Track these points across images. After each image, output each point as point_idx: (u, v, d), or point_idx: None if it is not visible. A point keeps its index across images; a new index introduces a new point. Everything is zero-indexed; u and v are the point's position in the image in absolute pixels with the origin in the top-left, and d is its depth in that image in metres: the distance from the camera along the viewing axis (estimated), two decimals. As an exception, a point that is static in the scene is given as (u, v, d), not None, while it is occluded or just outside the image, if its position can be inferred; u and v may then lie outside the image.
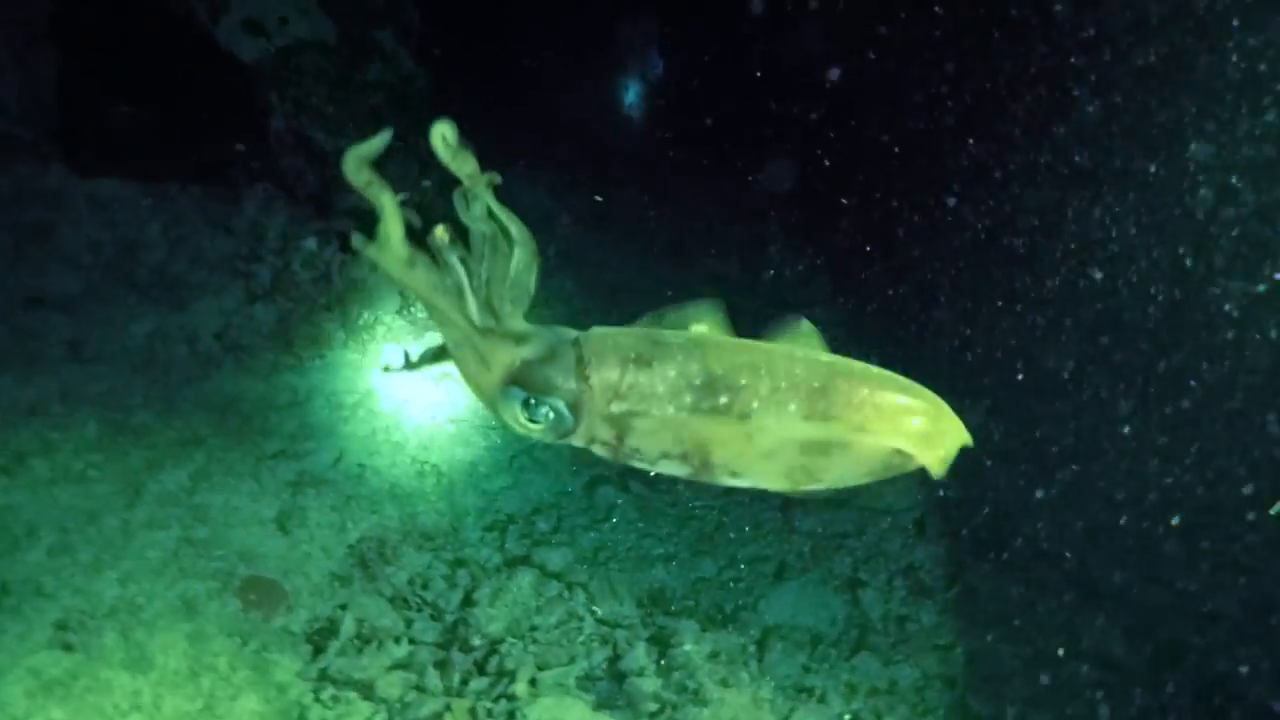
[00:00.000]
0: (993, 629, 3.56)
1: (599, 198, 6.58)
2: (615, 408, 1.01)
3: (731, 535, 4.19)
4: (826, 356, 1.06)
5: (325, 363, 4.40)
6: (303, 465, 3.85)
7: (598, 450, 1.08)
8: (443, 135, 1.00)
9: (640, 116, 8.21)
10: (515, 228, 1.04)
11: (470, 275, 1.03)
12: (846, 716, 3.11)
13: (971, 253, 5.42)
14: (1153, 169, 4.41)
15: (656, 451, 1.04)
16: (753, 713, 2.98)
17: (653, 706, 2.95)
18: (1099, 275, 4.65)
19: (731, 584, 3.85)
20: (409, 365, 4.51)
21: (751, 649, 3.42)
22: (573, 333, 1.06)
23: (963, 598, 3.78)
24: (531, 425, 1.04)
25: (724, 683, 3.07)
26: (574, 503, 4.29)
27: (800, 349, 1.05)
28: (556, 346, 1.02)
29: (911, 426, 1.04)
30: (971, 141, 5.44)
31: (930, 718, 3.20)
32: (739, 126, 7.26)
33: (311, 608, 3.25)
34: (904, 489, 4.44)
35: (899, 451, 1.06)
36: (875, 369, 1.06)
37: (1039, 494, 4.20)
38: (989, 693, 3.29)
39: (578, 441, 1.07)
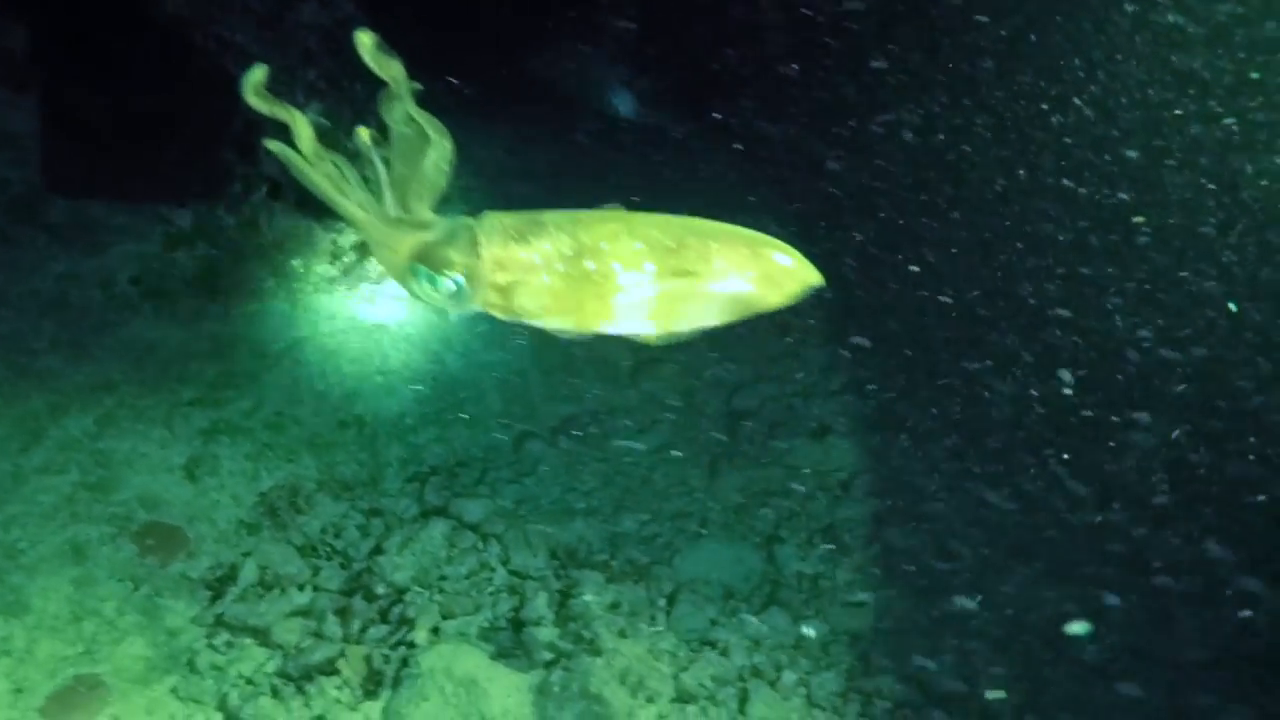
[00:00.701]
0: (903, 585, 3.58)
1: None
2: (501, 278, 1.19)
3: (656, 491, 4.18)
4: (683, 219, 1.24)
5: (252, 311, 4.33)
6: (220, 413, 3.80)
7: (495, 313, 1.25)
8: (364, 41, 1.14)
9: (606, 73, 8.03)
10: (432, 130, 1.18)
11: (389, 171, 1.18)
12: (746, 668, 3.12)
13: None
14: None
15: (539, 309, 1.22)
16: (649, 663, 2.98)
17: (548, 656, 2.95)
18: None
19: (650, 539, 3.84)
20: None
21: (661, 602, 3.43)
22: (469, 219, 1.22)
23: (880, 556, 3.79)
24: (435, 295, 1.20)
25: (622, 633, 3.08)
26: (500, 456, 4.26)
27: (662, 215, 1.23)
28: (455, 229, 1.19)
29: (757, 272, 1.23)
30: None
31: (832, 671, 3.21)
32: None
33: (215, 555, 3.23)
34: (832, 449, 4.44)
35: (751, 294, 1.24)
36: (726, 225, 1.23)
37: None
38: (891, 646, 3.31)
39: (476, 306, 1.24)
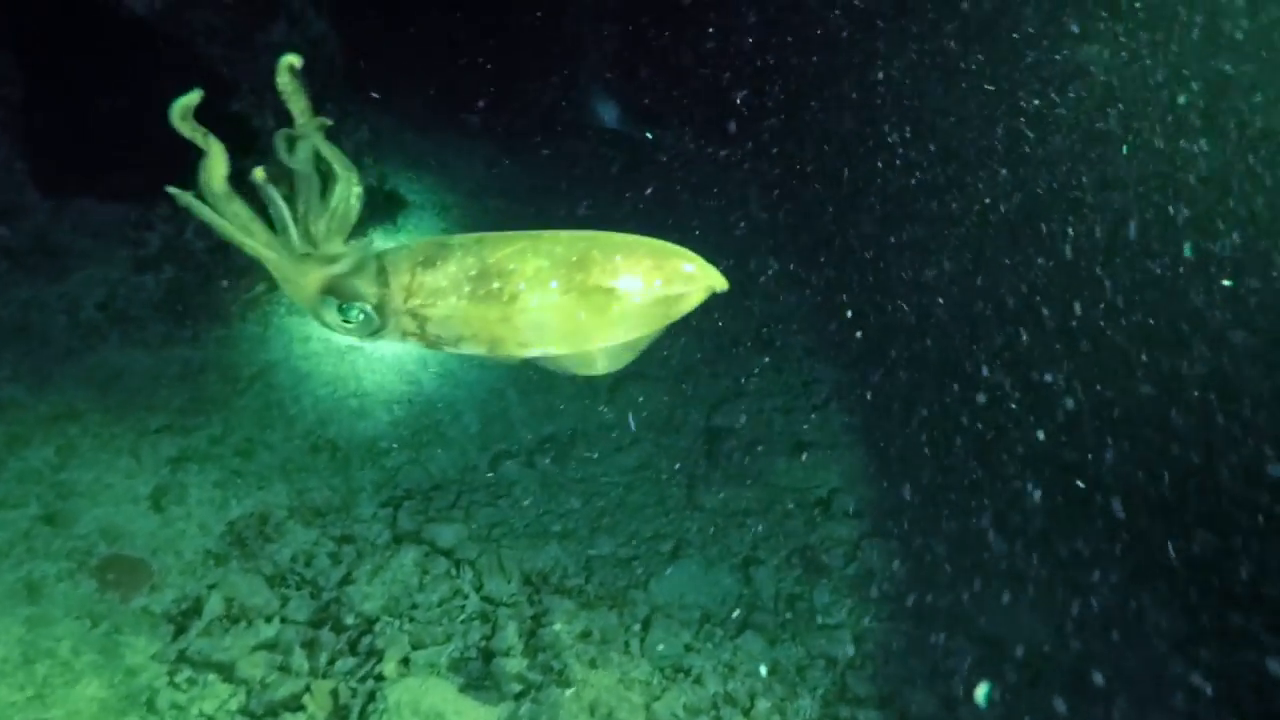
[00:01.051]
0: (882, 609, 3.54)
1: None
2: (410, 304, 1.18)
3: (633, 512, 4.14)
4: (588, 233, 1.21)
5: (221, 335, 4.28)
6: (188, 441, 3.74)
7: (411, 341, 1.25)
8: (290, 66, 1.14)
9: (588, 88, 7.99)
10: (339, 165, 1.18)
11: (292, 209, 1.17)
12: (720, 696, 3.07)
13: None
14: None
15: (453, 336, 1.21)
16: (620, 693, 2.93)
17: (517, 688, 2.90)
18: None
19: (626, 562, 3.80)
20: None
21: (635, 628, 3.38)
22: (376, 247, 1.23)
23: (858, 578, 3.75)
24: (346, 325, 1.20)
25: (592, 663, 3.03)
26: (476, 478, 4.21)
27: (568, 232, 1.21)
28: (363, 260, 1.19)
29: (663, 280, 1.21)
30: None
31: (808, 698, 3.17)
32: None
33: (180, 587, 3.16)
34: (812, 467, 4.41)
35: (658, 303, 1.22)
36: (631, 237, 1.21)
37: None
38: (869, 672, 3.27)
39: (391, 336, 1.23)
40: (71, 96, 3.99)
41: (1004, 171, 5.11)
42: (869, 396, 4.80)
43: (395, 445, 4.15)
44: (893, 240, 5.59)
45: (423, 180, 6.16)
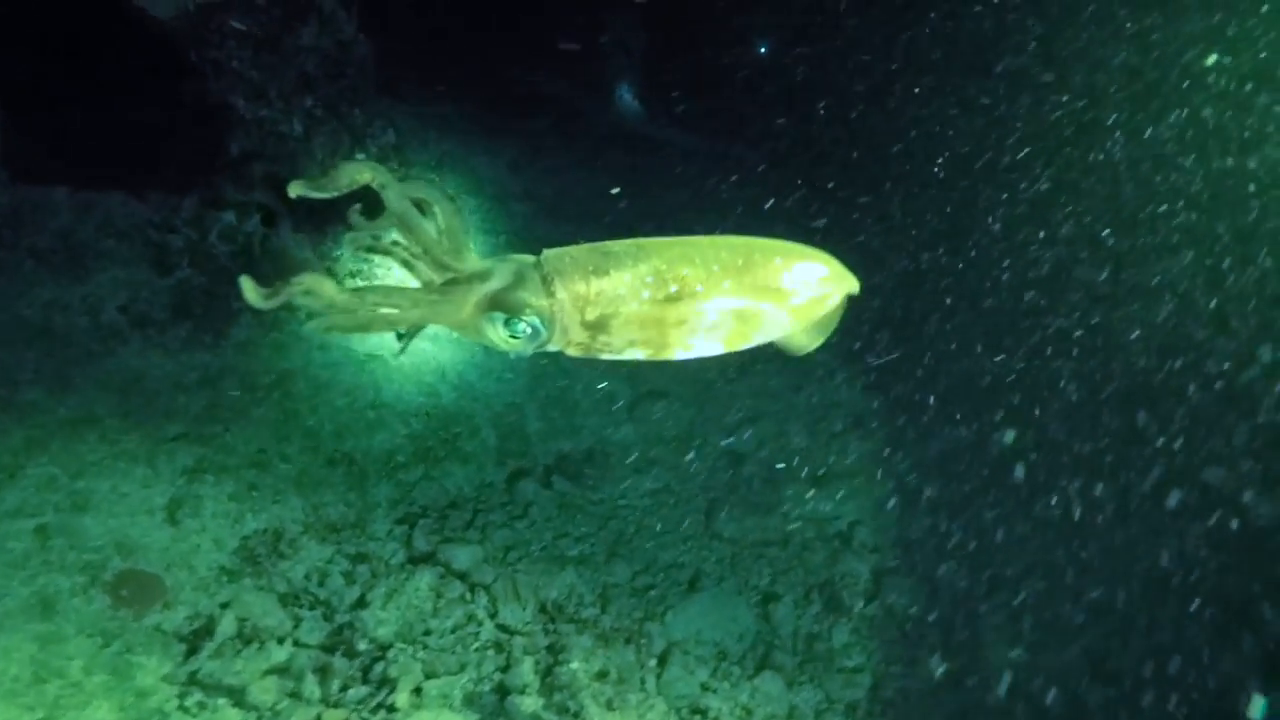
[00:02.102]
0: (902, 649, 3.47)
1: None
2: (590, 313, 1.17)
3: (651, 538, 4.08)
4: (741, 238, 1.25)
5: (242, 341, 4.23)
6: (205, 450, 3.70)
7: (571, 351, 1.22)
8: (351, 171, 1.13)
9: (610, 88, 7.91)
10: (423, 190, 1.18)
11: (410, 249, 1.18)
12: (736, 742, 3.02)
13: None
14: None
15: (624, 342, 1.21)
16: (637, 736, 2.88)
17: (532, 727, 2.86)
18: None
19: (643, 591, 3.74)
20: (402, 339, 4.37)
21: (651, 664, 3.32)
22: (529, 258, 1.21)
23: (878, 618, 3.68)
24: (513, 341, 1.18)
25: (609, 705, 2.97)
26: (493, 496, 4.16)
27: (720, 236, 1.25)
28: (520, 271, 1.17)
29: (818, 282, 1.27)
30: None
31: (826, 745, 3.11)
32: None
33: (193, 604, 3.12)
34: (832, 497, 4.34)
35: (812, 304, 1.27)
36: (777, 241, 1.26)
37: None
38: (888, 718, 3.20)
39: (552, 347, 1.21)
40: (100, 97, 3.95)
41: (1044, 200, 5.02)
42: (890, 423, 4.72)
43: (412, 459, 4.10)
44: (926, 259, 5.49)
45: (447, 183, 6.10)
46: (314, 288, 1.11)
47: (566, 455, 4.51)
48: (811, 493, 4.34)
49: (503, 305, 1.14)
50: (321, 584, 3.41)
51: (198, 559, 3.28)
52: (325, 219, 4.40)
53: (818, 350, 1.43)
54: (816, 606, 3.71)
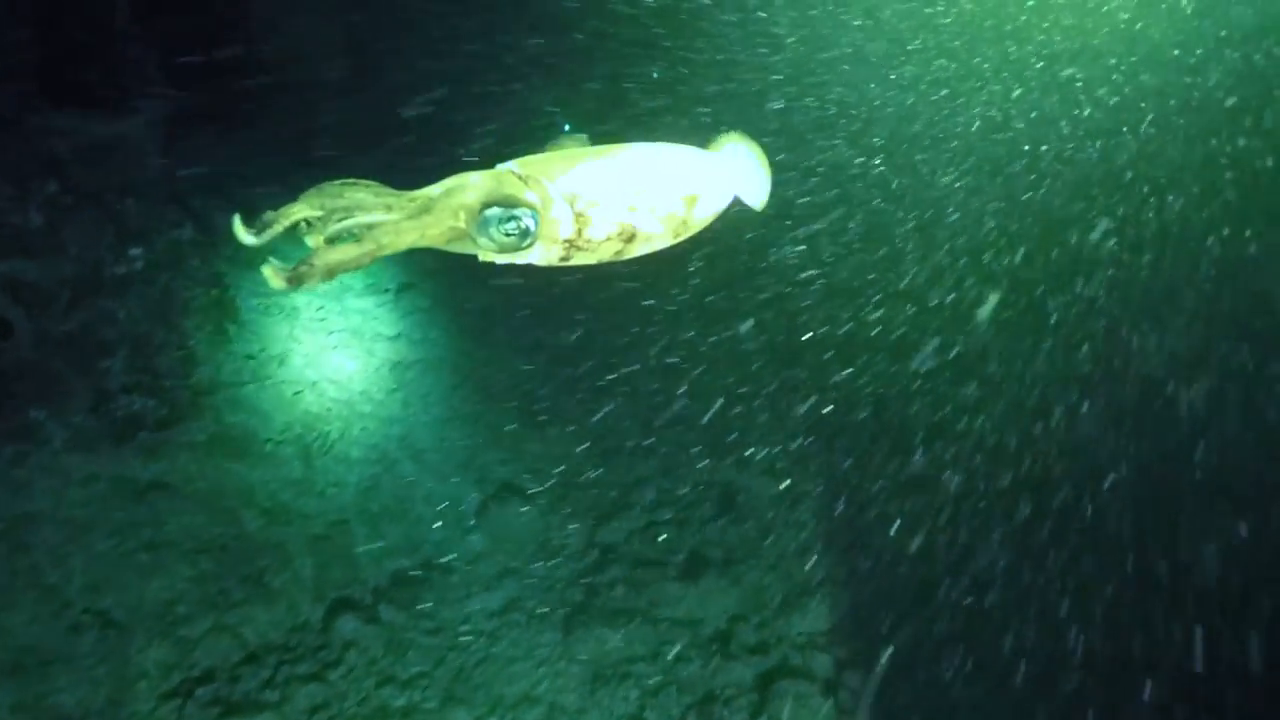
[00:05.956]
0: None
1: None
2: (579, 205, 1.25)
3: (498, 668, 3.44)
4: (675, 145, 1.41)
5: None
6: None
7: (550, 252, 1.26)
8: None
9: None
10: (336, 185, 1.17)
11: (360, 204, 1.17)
12: None
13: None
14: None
15: (603, 235, 1.28)
16: None
17: None
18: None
19: (484, 743, 3.08)
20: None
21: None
22: (500, 167, 1.26)
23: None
24: (506, 239, 1.21)
25: None
26: (305, 640, 3.46)
27: (661, 144, 1.40)
28: (498, 177, 1.22)
29: (731, 168, 1.48)
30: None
31: None
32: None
33: None
34: (707, 591, 3.81)
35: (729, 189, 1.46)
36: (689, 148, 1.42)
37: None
38: None
39: (534, 255, 1.25)
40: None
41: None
42: (771, 501, 4.26)
43: (196, 610, 3.36)
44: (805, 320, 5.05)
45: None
46: (286, 215, 1.10)
47: (401, 576, 3.84)
48: (683, 589, 3.80)
49: (500, 202, 1.18)
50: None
51: None
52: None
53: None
54: (694, 734, 3.14)
